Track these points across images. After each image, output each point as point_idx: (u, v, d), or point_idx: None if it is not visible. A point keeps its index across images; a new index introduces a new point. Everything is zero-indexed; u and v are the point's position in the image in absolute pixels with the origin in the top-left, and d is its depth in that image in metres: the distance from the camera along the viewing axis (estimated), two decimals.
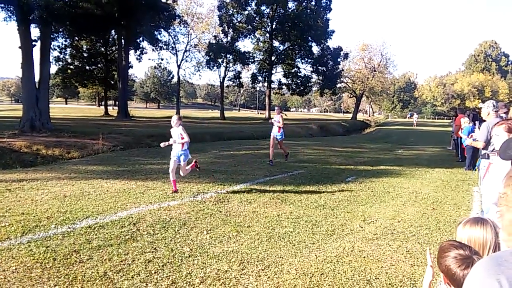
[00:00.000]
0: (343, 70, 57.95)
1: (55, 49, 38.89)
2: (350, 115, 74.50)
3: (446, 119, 72.23)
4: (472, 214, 7.13)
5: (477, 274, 0.84)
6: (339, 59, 53.14)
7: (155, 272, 4.26)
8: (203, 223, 6.05)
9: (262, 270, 4.46)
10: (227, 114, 55.04)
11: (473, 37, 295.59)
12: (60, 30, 34.19)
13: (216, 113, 60.26)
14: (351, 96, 72.29)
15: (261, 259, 4.77)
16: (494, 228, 1.94)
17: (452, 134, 18.18)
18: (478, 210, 7.40)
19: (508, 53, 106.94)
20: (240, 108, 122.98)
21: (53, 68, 42.74)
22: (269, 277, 4.28)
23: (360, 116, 76.29)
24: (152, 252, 4.83)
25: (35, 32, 43.49)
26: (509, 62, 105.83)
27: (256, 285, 4.08)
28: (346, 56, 55.67)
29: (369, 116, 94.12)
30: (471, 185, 10.02)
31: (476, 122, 12.94)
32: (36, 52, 20.61)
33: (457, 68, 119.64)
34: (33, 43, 20.39)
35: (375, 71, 64.61)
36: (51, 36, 27.67)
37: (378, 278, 4.31)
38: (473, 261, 1.74)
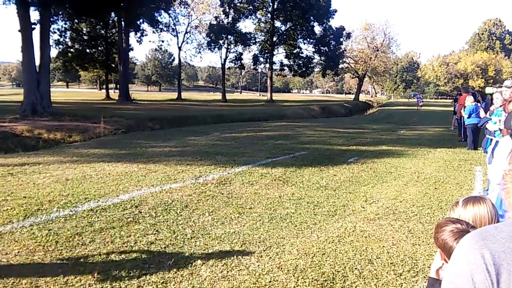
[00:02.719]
0: (345, 50, 57.42)
1: (55, 32, 38.59)
2: (352, 96, 74.15)
3: (449, 99, 71.78)
4: (474, 193, 7.12)
5: (462, 248, 0.84)
6: (341, 39, 52.65)
7: (157, 254, 4.28)
8: (205, 205, 6.07)
9: (264, 250, 4.47)
10: (228, 96, 54.87)
11: (477, 15, 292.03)
12: (60, 13, 33.83)
13: (218, 96, 60.05)
14: (354, 76, 71.82)
15: (262, 240, 4.79)
16: (493, 206, 1.95)
17: (454, 114, 18.09)
18: (480, 190, 7.40)
19: None
20: (242, 90, 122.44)
21: (54, 52, 42.51)
22: (270, 257, 4.30)
23: (362, 97, 75.93)
24: (154, 234, 4.85)
25: (34, 15, 42.96)
26: None
27: (258, 265, 4.10)
28: (348, 36, 55.15)
29: (372, 96, 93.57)
30: (473, 164, 9.99)
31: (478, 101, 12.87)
32: (36, 35, 20.45)
33: (461, 47, 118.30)
34: (33, 26, 20.19)
35: (377, 51, 64.03)
36: (51, 19, 27.38)
37: (379, 258, 4.32)
38: None
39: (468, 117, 11.98)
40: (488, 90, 12.27)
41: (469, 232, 1.75)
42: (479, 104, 12.28)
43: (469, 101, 12.09)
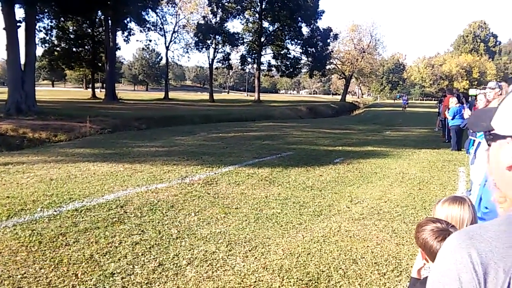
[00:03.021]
0: (332, 51, 57.68)
1: (41, 31, 38.07)
2: (339, 97, 74.48)
3: (434, 100, 72.56)
4: (458, 194, 7.22)
5: (448, 247, 0.82)
6: (328, 40, 52.86)
7: (142, 254, 4.27)
8: (191, 205, 6.06)
9: (249, 250, 4.49)
10: (216, 96, 54.73)
11: (463, 17, 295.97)
12: (46, 10, 33.43)
13: (205, 96, 59.84)
14: (340, 77, 72.17)
15: (248, 240, 4.80)
16: (471, 207, 1.99)
17: (438, 115, 18.33)
18: (464, 190, 7.51)
19: (496, 33, 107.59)
20: (230, 91, 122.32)
21: (39, 50, 41.87)
22: (256, 257, 4.31)
23: (349, 98, 76.34)
24: (140, 234, 4.82)
25: (19, 12, 42.38)
26: (497, 43, 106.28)
27: (243, 265, 4.11)
28: (335, 37, 55.38)
29: (358, 97, 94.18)
30: (457, 165, 10.13)
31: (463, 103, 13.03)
32: (21, 33, 20.17)
33: (446, 49, 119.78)
34: (18, 24, 19.91)
35: (364, 52, 64.40)
36: (36, 17, 27.05)
37: (363, 257, 4.37)
38: (449, 233, 1.78)
39: (452, 119, 12.14)
40: (472, 92, 12.43)
41: (449, 231, 1.80)
42: (464, 106, 12.45)
43: (453, 102, 12.25)
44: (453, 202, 2.02)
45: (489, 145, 0.94)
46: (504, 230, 0.79)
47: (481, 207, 2.94)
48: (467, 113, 11.16)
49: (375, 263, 4.25)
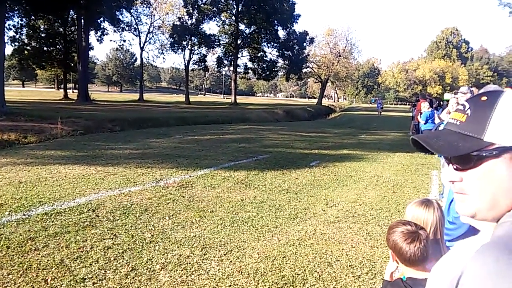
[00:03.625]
0: (308, 55, 58.23)
1: (11, 29, 37.10)
2: (315, 101, 75.13)
3: (408, 104, 74.06)
4: (431, 197, 7.34)
5: (491, 265, 0.69)
6: (305, 44, 53.27)
7: (114, 259, 4.17)
8: (165, 209, 5.96)
9: (225, 254, 4.44)
10: (192, 98, 54.43)
11: (436, 23, 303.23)
12: (16, 8, 32.59)
13: (181, 98, 59.52)
14: (317, 81, 72.88)
15: (223, 243, 4.75)
16: (436, 210, 2.04)
17: (412, 119, 18.69)
18: (437, 193, 7.65)
19: (468, 40, 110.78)
20: (206, 93, 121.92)
21: (9, 49, 40.94)
22: (231, 261, 4.27)
23: (325, 102, 77.14)
24: (112, 238, 4.71)
25: None
26: (469, 49, 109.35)
27: (218, 269, 4.06)
28: (311, 40, 55.86)
29: (334, 101, 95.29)
30: (430, 168, 10.33)
31: (434, 108, 13.31)
32: None
33: (419, 54, 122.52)
34: None
35: (340, 56, 65.27)
36: (6, 15, 26.32)
37: (338, 260, 4.38)
38: (419, 236, 1.81)
39: (425, 123, 12.35)
40: (446, 96, 12.71)
41: (418, 233, 1.81)
42: (434, 111, 12.70)
43: (425, 107, 12.47)
44: (420, 204, 2.09)
45: (473, 166, 0.85)
46: None
47: (451, 211, 2.97)
48: (437, 118, 11.39)
49: (349, 265, 4.26)
